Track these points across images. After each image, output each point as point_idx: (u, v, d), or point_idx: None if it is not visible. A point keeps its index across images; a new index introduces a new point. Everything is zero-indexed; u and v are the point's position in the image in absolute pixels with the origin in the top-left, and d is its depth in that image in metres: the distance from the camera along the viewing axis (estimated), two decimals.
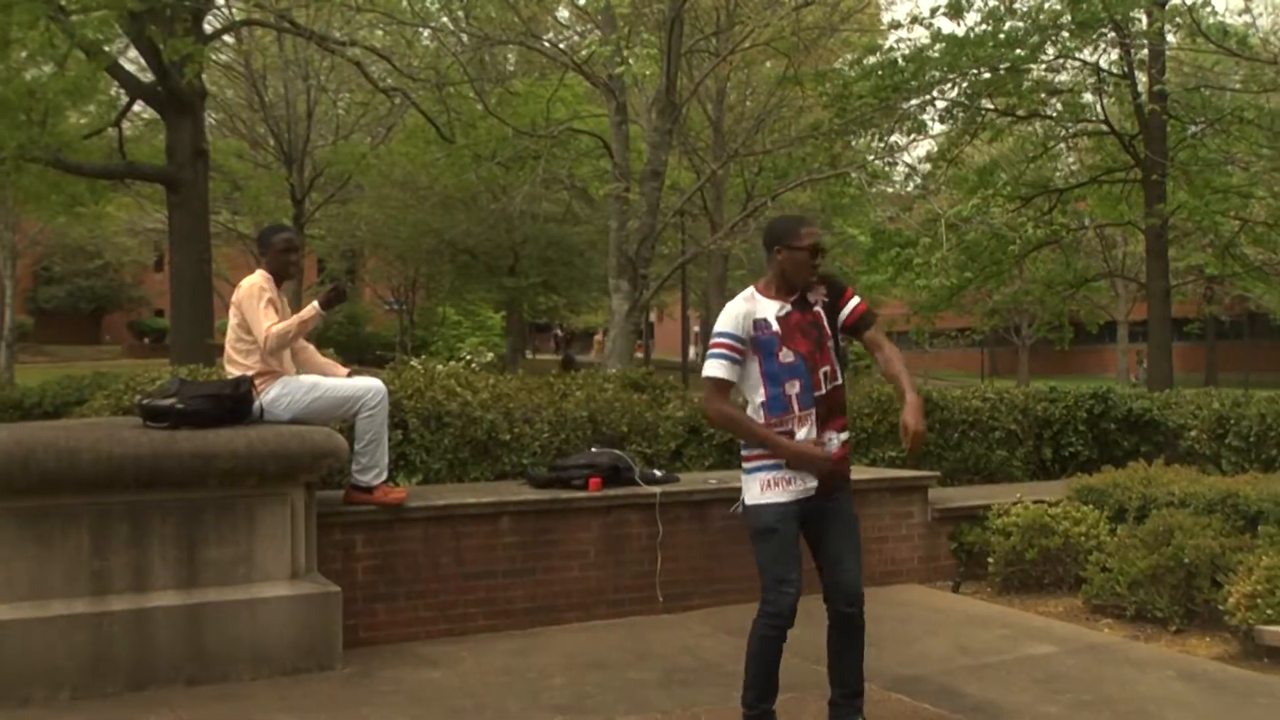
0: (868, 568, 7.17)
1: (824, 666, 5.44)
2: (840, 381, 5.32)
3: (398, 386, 8.64)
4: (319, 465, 6.71)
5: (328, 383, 7.11)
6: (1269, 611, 6.75)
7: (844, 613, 5.25)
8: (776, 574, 5.09)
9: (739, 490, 5.35)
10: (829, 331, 5.29)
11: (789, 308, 5.23)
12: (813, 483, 5.15)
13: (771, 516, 5.12)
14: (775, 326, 5.18)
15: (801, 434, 5.14)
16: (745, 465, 5.28)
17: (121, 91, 21.13)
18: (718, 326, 5.24)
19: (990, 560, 8.96)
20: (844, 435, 5.29)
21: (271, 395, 6.91)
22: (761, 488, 5.17)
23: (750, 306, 5.23)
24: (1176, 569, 7.73)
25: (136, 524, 6.29)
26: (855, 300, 5.40)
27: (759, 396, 5.19)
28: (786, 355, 5.15)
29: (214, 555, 6.45)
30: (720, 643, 7.33)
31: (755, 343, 5.17)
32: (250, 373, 6.92)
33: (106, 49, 17.82)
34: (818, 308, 5.30)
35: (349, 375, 7.41)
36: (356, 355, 39.28)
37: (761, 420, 5.18)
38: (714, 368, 5.19)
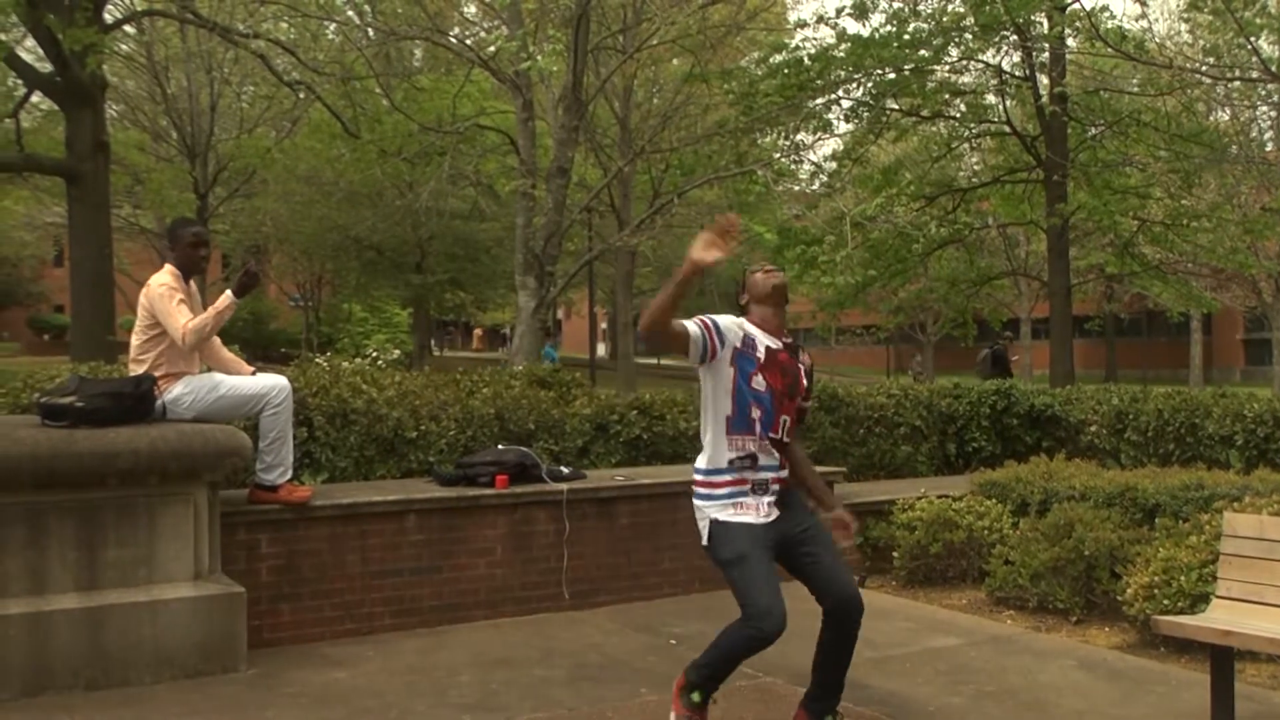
0: None
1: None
2: (787, 448, 5.23)
3: (303, 384, 8.53)
4: (222, 464, 6.62)
5: (231, 380, 7.00)
6: (1165, 602, 6.88)
7: (844, 622, 5.07)
8: (757, 602, 4.84)
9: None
10: (804, 388, 5.30)
11: (779, 345, 5.21)
12: (774, 509, 5.09)
13: (742, 540, 4.98)
14: (760, 352, 5.13)
15: (764, 460, 5.09)
16: (701, 495, 5.16)
17: (19, 82, 20.65)
18: (707, 317, 5.17)
19: (895, 555, 9.06)
20: (785, 472, 5.21)
21: (174, 393, 6.79)
22: (734, 510, 5.06)
23: (743, 326, 5.17)
24: (1077, 561, 7.88)
25: (34, 525, 6.15)
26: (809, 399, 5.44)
27: (725, 410, 5.10)
28: (759, 382, 5.08)
29: (115, 556, 6.33)
30: (627, 639, 7.33)
31: (737, 356, 5.09)
32: (155, 371, 6.80)
33: (2, 38, 17.44)
34: (803, 366, 5.32)
35: (253, 373, 7.31)
36: (261, 352, 38.76)
37: (724, 434, 5.09)
38: (686, 324, 5.03)
